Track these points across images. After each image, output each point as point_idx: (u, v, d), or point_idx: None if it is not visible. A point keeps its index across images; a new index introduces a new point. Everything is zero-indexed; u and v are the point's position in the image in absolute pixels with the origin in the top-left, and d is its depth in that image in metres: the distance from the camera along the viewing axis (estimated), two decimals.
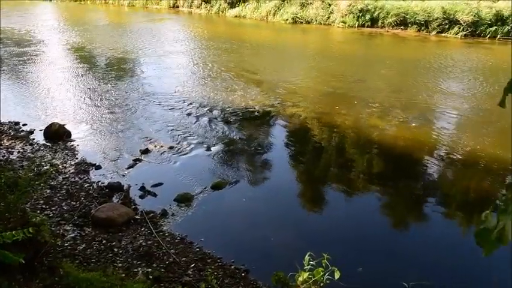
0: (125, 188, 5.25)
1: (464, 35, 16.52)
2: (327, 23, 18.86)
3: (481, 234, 0.90)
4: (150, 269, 3.88)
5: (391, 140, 7.07)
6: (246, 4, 21.19)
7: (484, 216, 0.94)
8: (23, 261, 2.80)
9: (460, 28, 16.68)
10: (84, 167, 5.84)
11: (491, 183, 5.78)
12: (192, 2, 22.88)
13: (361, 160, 6.53)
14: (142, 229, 4.52)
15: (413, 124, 7.75)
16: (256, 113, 8.10)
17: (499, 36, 16.09)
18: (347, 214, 5.13)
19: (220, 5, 21.76)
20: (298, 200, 5.42)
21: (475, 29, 16.57)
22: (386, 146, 6.83)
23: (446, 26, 16.98)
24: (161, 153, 6.31)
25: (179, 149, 6.47)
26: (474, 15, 16.61)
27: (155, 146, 6.52)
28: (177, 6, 23.63)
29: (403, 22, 17.68)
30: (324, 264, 2.36)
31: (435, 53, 13.96)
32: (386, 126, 7.65)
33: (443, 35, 16.92)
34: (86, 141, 6.71)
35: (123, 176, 5.65)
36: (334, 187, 5.76)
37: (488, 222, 0.90)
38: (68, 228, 4.47)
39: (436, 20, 17.05)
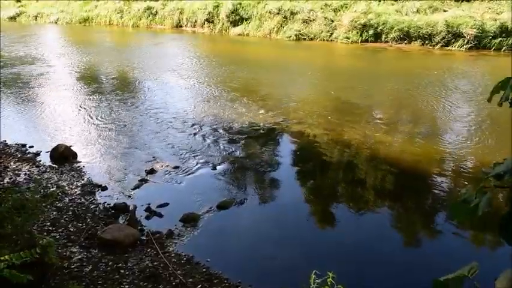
0: (130, 208, 5.30)
1: (469, 47, 16.67)
2: (330, 39, 19.15)
3: (458, 205, 1.08)
4: None
5: (398, 156, 7.09)
6: (248, 22, 21.60)
7: (465, 190, 1.10)
8: (32, 278, 2.86)
9: (464, 41, 16.85)
10: (90, 188, 5.93)
11: (503, 197, 5.76)
12: (195, 22, 23.35)
13: (368, 177, 6.55)
14: (149, 250, 4.56)
15: (421, 139, 7.79)
16: (261, 131, 8.19)
17: (504, 48, 16.21)
18: (354, 231, 5.14)
19: (223, 24, 22.19)
20: (305, 218, 5.44)
21: (479, 42, 16.72)
22: (393, 162, 6.84)
23: (451, 40, 17.17)
24: (167, 173, 6.39)
25: (184, 168, 6.55)
26: (478, 28, 16.78)
27: (161, 166, 6.60)
28: (181, 26, 24.12)
29: (406, 36, 17.91)
30: (329, 283, 2.39)
31: (440, 67, 14.07)
32: (393, 142, 7.70)
33: (447, 48, 17.08)
34: (92, 162, 6.82)
35: (129, 196, 5.73)
36: (341, 204, 5.78)
37: (468, 196, 1.05)
38: (75, 250, 4.52)
39: (440, 33, 17.25)
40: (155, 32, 23.50)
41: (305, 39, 19.60)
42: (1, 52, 16.25)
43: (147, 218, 5.23)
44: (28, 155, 7.03)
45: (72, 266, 4.20)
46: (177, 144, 7.50)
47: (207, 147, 7.41)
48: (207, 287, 4.00)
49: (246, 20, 21.80)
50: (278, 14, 20.71)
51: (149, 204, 5.46)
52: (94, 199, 5.64)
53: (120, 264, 4.28)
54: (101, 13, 26.47)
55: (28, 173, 6.35)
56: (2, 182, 5.92)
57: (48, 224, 4.96)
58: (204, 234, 4.91)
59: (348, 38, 18.64)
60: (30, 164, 6.67)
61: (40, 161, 6.82)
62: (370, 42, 18.39)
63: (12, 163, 6.67)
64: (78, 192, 5.79)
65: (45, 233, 4.66)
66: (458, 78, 12.75)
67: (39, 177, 6.15)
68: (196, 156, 7.01)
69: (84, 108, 9.76)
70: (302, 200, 5.96)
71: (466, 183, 6.21)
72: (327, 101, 10.40)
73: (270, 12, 20.94)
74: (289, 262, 4.42)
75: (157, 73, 13.48)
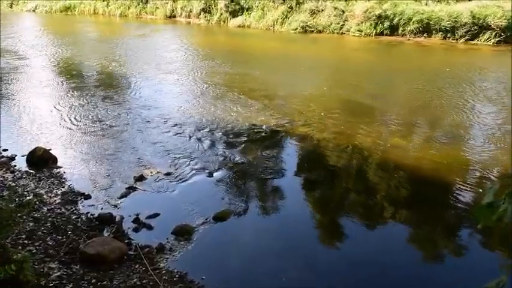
0: (117, 219, 5.32)
1: (497, 41, 16.71)
2: (340, 31, 19.23)
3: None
4: None
5: (415, 162, 7.11)
6: (249, 13, 21.70)
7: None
8: None
9: (492, 34, 16.88)
10: (72, 196, 5.93)
11: None
12: (190, 12, 23.47)
13: (382, 185, 6.56)
14: (137, 266, 4.56)
15: (440, 143, 7.81)
16: (263, 134, 8.21)
17: None
18: (365, 245, 5.13)
19: (221, 14, 22.30)
20: (311, 232, 5.45)
21: (510, 34, 16.73)
22: (409, 169, 6.86)
23: (476, 33, 17.20)
24: (157, 181, 6.40)
25: (177, 175, 6.56)
26: (508, 19, 16.81)
27: (151, 173, 6.61)
28: (174, 16, 24.27)
29: (426, 29, 17.99)
30: None
31: (463, 63, 14.12)
32: (409, 146, 7.72)
33: (472, 42, 17.14)
34: (73, 167, 6.83)
35: (115, 206, 5.73)
36: (351, 217, 5.77)
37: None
38: (53, 265, 4.51)
39: (464, 25, 17.30)
40: (145, 23, 23.63)
41: (312, 31, 19.69)
42: None
43: (136, 230, 5.23)
44: (1, 159, 7.03)
45: (51, 284, 4.19)
46: (169, 148, 7.52)
47: (202, 151, 7.43)
48: None
49: (246, 10, 21.92)
50: (283, 3, 20.82)
51: (138, 214, 5.46)
52: (76, 209, 5.64)
53: (104, 282, 4.27)
54: (85, 1, 26.64)
55: (1, 179, 6.36)
56: None
57: (24, 236, 4.95)
58: (199, 248, 4.91)
59: (361, 30, 18.71)
60: (4, 169, 6.68)
61: (15, 166, 6.83)
62: (386, 35, 18.47)
63: None
64: (58, 201, 5.80)
65: (20, 247, 4.66)
66: (482, 75, 12.78)
67: (14, 184, 6.16)
68: (191, 161, 7.02)
69: (65, 107, 9.80)
70: (307, 210, 5.97)
71: None
72: (335, 100, 10.42)
73: (273, 2, 21.06)
74: (293, 279, 4.41)
75: (145, 68, 13.54)
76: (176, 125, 8.61)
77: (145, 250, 4.81)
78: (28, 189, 6.09)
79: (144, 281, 4.30)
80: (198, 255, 4.83)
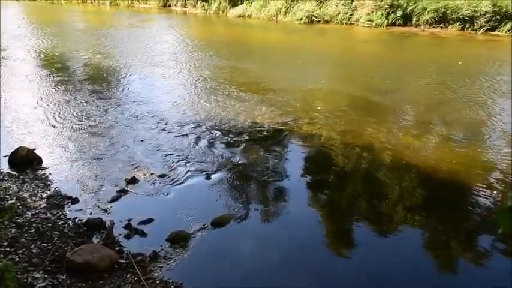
0: (107, 225, 5.33)
1: None
2: (349, 22, 19.23)
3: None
4: None
5: (431, 164, 7.10)
6: (250, 1, 21.69)
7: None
8: None
9: None
10: (58, 200, 5.94)
11: None
12: (186, 0, 23.49)
13: (395, 189, 6.55)
14: (129, 276, 4.56)
15: (458, 144, 7.81)
16: (265, 133, 8.23)
17: None
18: (378, 256, 5.12)
19: (220, 3, 22.30)
20: (318, 240, 5.44)
21: None
22: (425, 172, 6.86)
23: (497, 23, 17.19)
24: (151, 183, 6.41)
25: (173, 177, 6.57)
26: None
27: (144, 175, 6.62)
28: (169, 6, 24.30)
29: (443, 19, 17.96)
30: None
31: (482, 55, 14.10)
32: (425, 147, 7.72)
33: (493, 33, 17.11)
34: (60, 169, 6.85)
35: (105, 211, 5.74)
36: (361, 223, 5.77)
37: None
38: (38, 275, 4.51)
39: (485, 15, 17.28)
40: (138, 12, 23.67)
41: (319, 21, 19.70)
42: None
43: (127, 236, 5.24)
44: None
45: None
46: (163, 148, 7.53)
47: (199, 151, 7.44)
48: None
49: None
50: None
51: (130, 220, 5.47)
52: (62, 214, 5.65)
53: None
54: None
55: None
56: None
57: (6, 244, 4.96)
58: (196, 257, 4.92)
59: (371, 20, 18.71)
60: None
61: None
62: (398, 25, 18.47)
63: None
64: (43, 206, 5.80)
65: (1, 255, 4.67)
66: (502, 69, 12.74)
67: None
68: (187, 162, 7.03)
69: (50, 103, 9.82)
70: (313, 216, 5.96)
71: None
72: (342, 96, 10.43)
73: None
74: None
75: (136, 61, 13.57)
76: (171, 122, 8.62)
77: (138, 258, 4.81)
78: (10, 192, 6.09)
79: None
80: (194, 264, 4.83)
